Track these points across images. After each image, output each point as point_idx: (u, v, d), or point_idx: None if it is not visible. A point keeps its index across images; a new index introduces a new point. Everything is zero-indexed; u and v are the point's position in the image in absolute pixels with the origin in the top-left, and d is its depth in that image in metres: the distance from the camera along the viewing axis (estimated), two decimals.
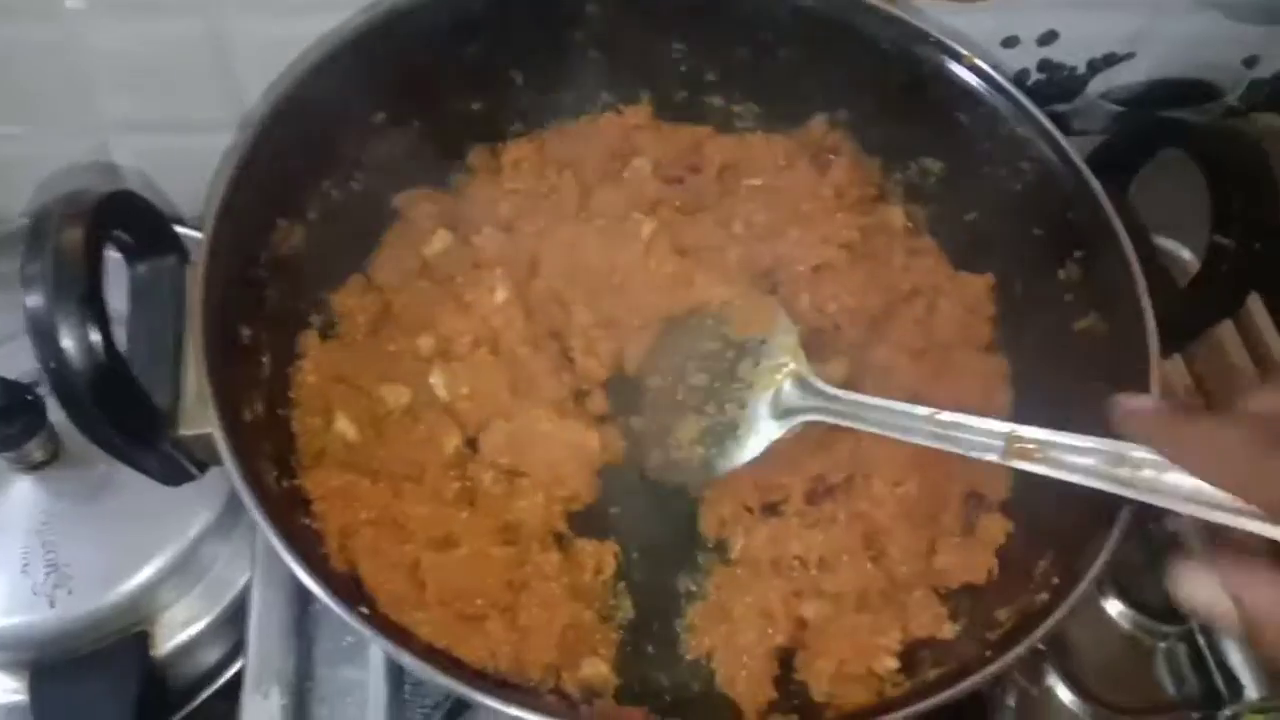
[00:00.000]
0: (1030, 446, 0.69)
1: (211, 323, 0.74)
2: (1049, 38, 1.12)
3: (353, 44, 0.89)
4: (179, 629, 0.92)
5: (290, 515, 0.75)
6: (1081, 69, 1.16)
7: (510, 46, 1.00)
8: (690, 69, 1.06)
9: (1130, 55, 1.15)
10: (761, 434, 0.83)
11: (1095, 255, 0.86)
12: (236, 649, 0.94)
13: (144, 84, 1.01)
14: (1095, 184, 0.85)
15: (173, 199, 1.10)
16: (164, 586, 0.92)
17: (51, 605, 0.88)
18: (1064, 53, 1.13)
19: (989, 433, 0.71)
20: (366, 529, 0.79)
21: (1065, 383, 0.88)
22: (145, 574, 0.90)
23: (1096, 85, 1.19)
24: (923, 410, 0.75)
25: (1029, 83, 1.16)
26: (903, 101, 0.99)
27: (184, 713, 0.94)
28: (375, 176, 0.97)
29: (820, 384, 0.83)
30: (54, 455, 0.92)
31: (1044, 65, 1.15)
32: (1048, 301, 0.91)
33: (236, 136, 0.80)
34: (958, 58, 0.94)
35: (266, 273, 0.86)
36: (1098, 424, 0.68)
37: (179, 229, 0.80)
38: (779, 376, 0.85)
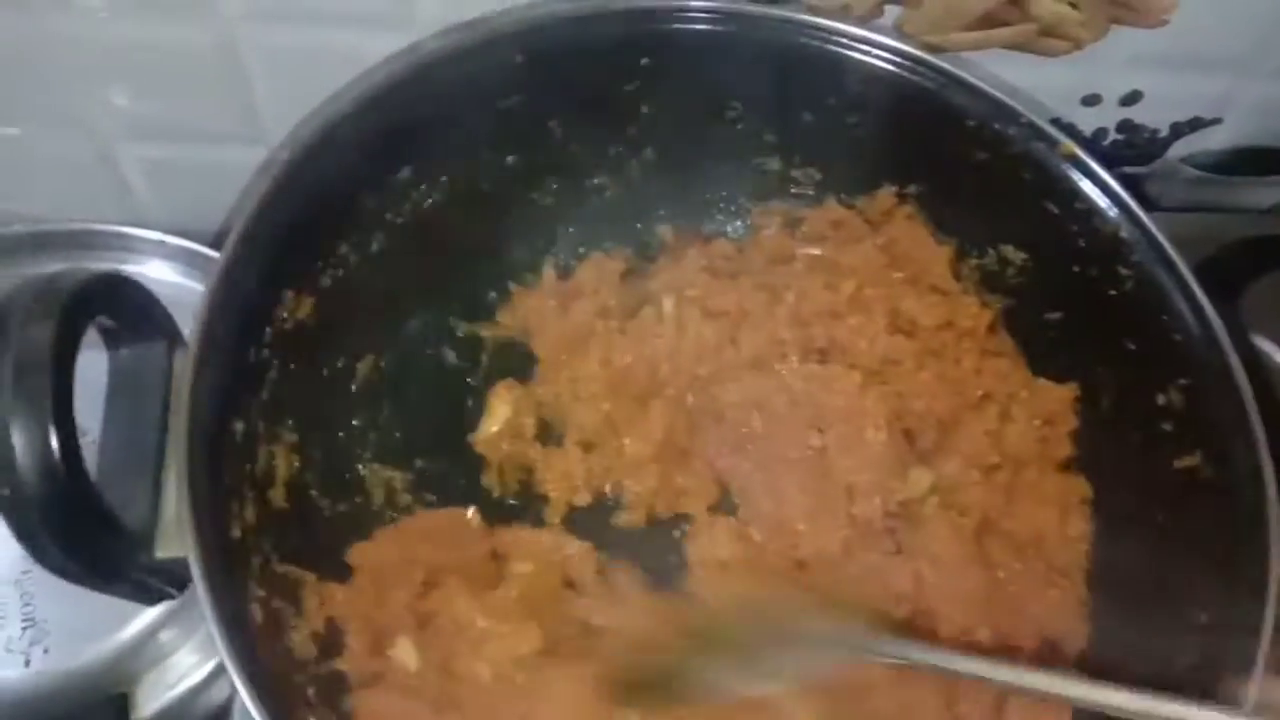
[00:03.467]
0: None
1: (201, 420, 0.66)
2: (1133, 98, 1.03)
3: (387, 90, 0.80)
4: (163, 691, 0.83)
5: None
6: (1164, 132, 1.08)
7: (552, 97, 0.90)
8: (747, 128, 0.96)
9: (1216, 120, 1.06)
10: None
11: (1203, 389, 0.76)
12: (225, 713, 0.86)
13: (155, 88, 0.93)
14: (1209, 308, 0.76)
15: (178, 214, 1.01)
16: (148, 645, 0.83)
17: (27, 663, 0.80)
18: (1147, 114, 1.05)
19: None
20: None
21: (1157, 521, 0.78)
22: (128, 631, 0.82)
23: (1177, 150, 1.10)
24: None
25: (1106, 142, 1.08)
26: (984, 181, 0.89)
27: None
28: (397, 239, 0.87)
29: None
30: None
31: (1124, 126, 1.07)
32: (1143, 427, 0.81)
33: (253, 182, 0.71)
34: (1053, 144, 0.84)
35: (269, 353, 0.76)
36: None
37: (184, 243, 0.71)
38: None
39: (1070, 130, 1.02)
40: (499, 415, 0.90)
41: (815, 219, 0.98)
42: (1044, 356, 0.90)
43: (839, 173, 0.97)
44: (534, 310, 0.94)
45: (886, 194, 0.96)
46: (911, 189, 0.95)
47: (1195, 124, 1.07)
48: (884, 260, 0.93)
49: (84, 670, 0.81)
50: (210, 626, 0.59)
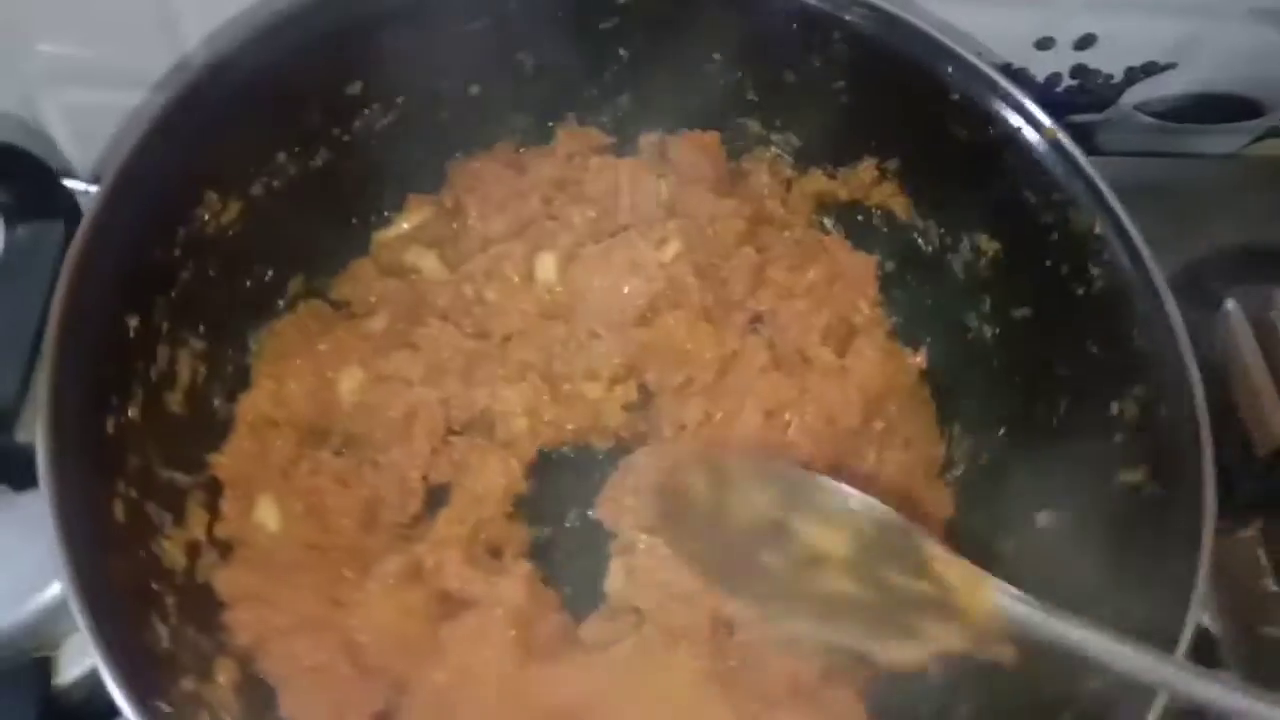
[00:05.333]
0: None
1: (82, 305, 0.63)
2: (1086, 41, 0.98)
3: None
4: (86, 656, 0.79)
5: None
6: (1118, 77, 1.03)
7: (526, 25, 0.86)
8: (728, 85, 0.91)
9: (1171, 65, 1.01)
10: None
11: (1159, 399, 0.71)
12: None
13: (80, 26, 0.85)
14: (1175, 314, 0.70)
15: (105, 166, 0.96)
16: (69, 608, 0.79)
17: None
18: (1101, 59, 1.00)
19: None
20: None
21: (1094, 535, 0.73)
22: (50, 593, 0.75)
23: (1131, 96, 1.05)
24: None
25: (1060, 88, 1.03)
26: (965, 163, 0.84)
27: None
28: (347, 159, 0.84)
29: None
30: None
31: (1078, 71, 1.01)
32: (1090, 437, 0.75)
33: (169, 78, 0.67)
34: (1038, 127, 0.79)
35: (183, 253, 0.73)
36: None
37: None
38: None
39: (1022, 76, 0.97)
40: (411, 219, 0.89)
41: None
42: (1007, 349, 0.85)
43: (819, 140, 0.93)
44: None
45: (867, 167, 0.91)
46: (893, 164, 0.90)
47: (1150, 69, 1.02)
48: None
49: (4, 632, 0.75)
50: (47, 512, 0.56)
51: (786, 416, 0.82)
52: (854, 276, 0.89)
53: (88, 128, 0.88)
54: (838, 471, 0.78)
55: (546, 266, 0.86)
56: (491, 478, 0.78)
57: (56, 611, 0.77)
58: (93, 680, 0.78)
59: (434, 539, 0.75)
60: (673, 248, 0.85)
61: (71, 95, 0.89)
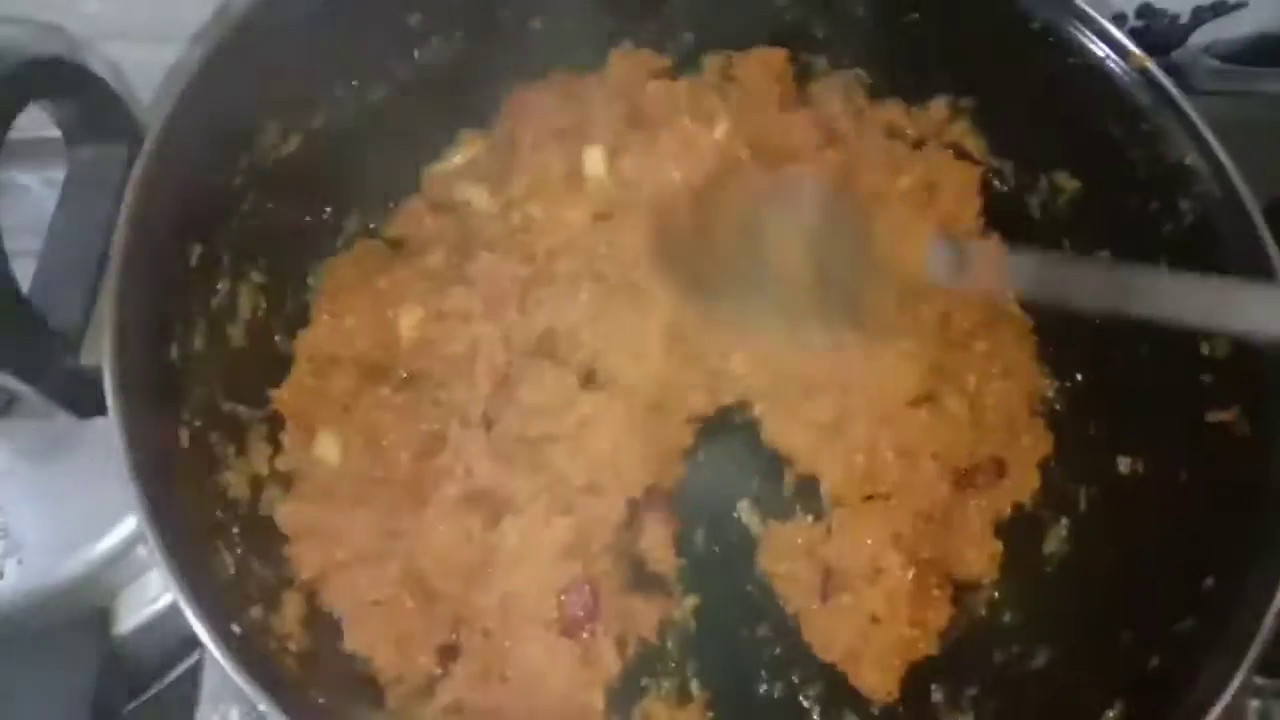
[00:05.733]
0: None
1: (146, 229, 0.62)
2: None
3: None
4: (143, 605, 0.79)
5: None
6: (1185, 17, 0.99)
7: None
8: (795, 20, 0.88)
9: (1241, 5, 0.98)
10: None
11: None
12: None
13: None
14: (1272, 245, 0.66)
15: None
16: (128, 558, 0.78)
17: (1, 576, 0.76)
18: None
19: None
20: None
21: (1179, 480, 0.71)
22: (107, 543, 0.77)
23: (1200, 37, 1.01)
24: None
25: (1125, 29, 0.97)
26: (1044, 97, 0.81)
27: (146, 697, 0.81)
28: (404, 93, 0.82)
29: None
30: (8, 406, 0.78)
31: (1144, 10, 0.98)
32: (1176, 378, 0.72)
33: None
34: (1125, 55, 0.75)
35: (244, 182, 0.72)
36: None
37: None
38: None
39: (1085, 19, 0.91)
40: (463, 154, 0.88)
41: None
42: None
43: (889, 78, 0.89)
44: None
45: (940, 105, 0.88)
46: (966, 101, 0.87)
47: (1219, 8, 0.98)
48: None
49: (60, 583, 0.76)
50: (114, 434, 0.55)
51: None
52: (956, 186, 0.85)
53: (132, 85, 0.82)
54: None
55: (594, 161, 0.82)
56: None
57: (114, 560, 0.78)
58: (151, 630, 0.79)
59: None
60: (722, 125, 0.81)
61: (116, 52, 0.83)
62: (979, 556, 0.78)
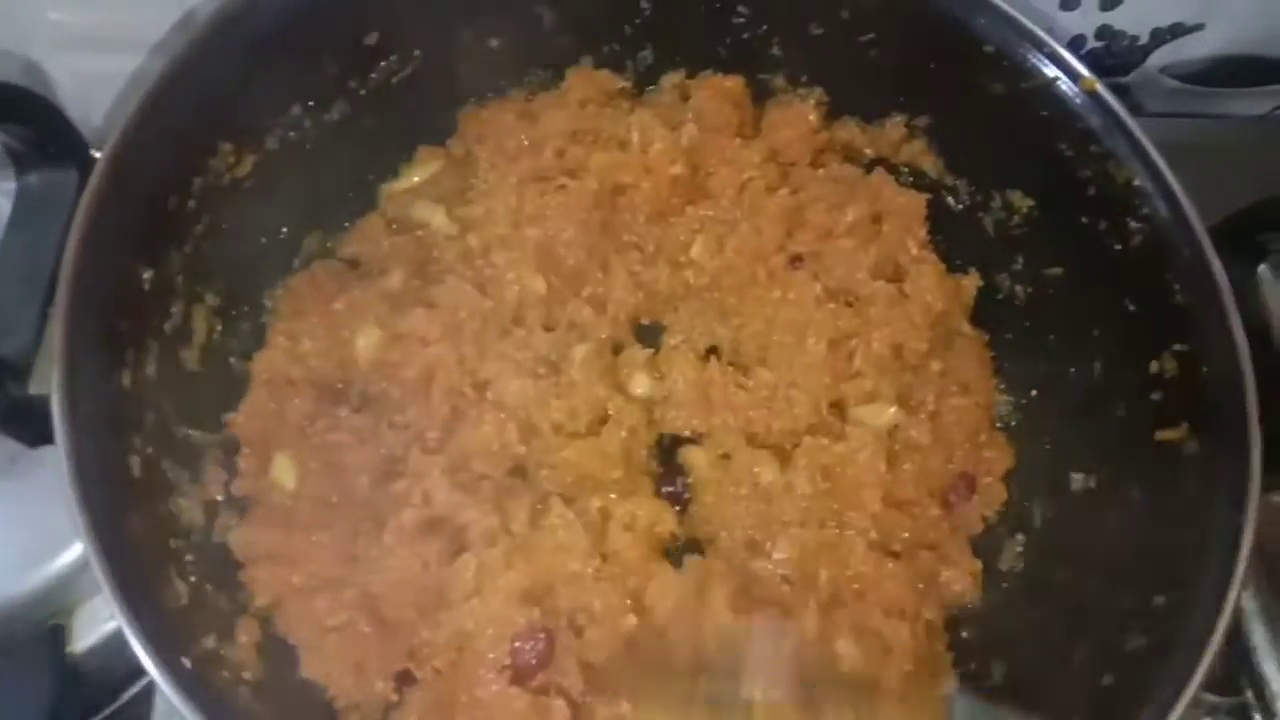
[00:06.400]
0: None
1: (96, 255, 0.61)
2: (1113, 1, 0.95)
3: None
4: (99, 623, 0.77)
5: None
6: (1144, 39, 1.00)
7: None
8: (753, 39, 0.89)
9: (1199, 27, 0.98)
10: None
11: (1201, 355, 0.69)
12: None
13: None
14: (1218, 267, 0.68)
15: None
16: (84, 575, 0.75)
17: None
18: (1127, 19, 0.97)
19: None
20: None
21: (1131, 498, 0.72)
22: (63, 560, 0.75)
23: (1157, 59, 1.02)
24: None
25: (1084, 50, 0.99)
26: (998, 117, 0.82)
27: (103, 715, 0.78)
28: (361, 112, 0.82)
29: None
30: None
31: (1103, 32, 0.98)
32: (1127, 395, 0.74)
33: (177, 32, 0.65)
34: (1075, 78, 0.76)
35: (196, 204, 0.71)
36: None
37: None
38: None
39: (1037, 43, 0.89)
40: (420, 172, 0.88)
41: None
42: (1038, 311, 0.83)
43: (845, 97, 0.90)
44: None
45: (895, 124, 0.89)
46: (922, 121, 0.88)
47: (1176, 30, 0.98)
48: None
49: (15, 599, 0.75)
50: (63, 465, 0.54)
51: (852, 344, 0.80)
52: (901, 215, 0.86)
53: (94, 95, 0.84)
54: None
55: None
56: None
57: (71, 576, 0.76)
58: (107, 648, 0.78)
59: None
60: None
61: (79, 62, 0.85)
62: (961, 576, 0.78)
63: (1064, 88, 0.78)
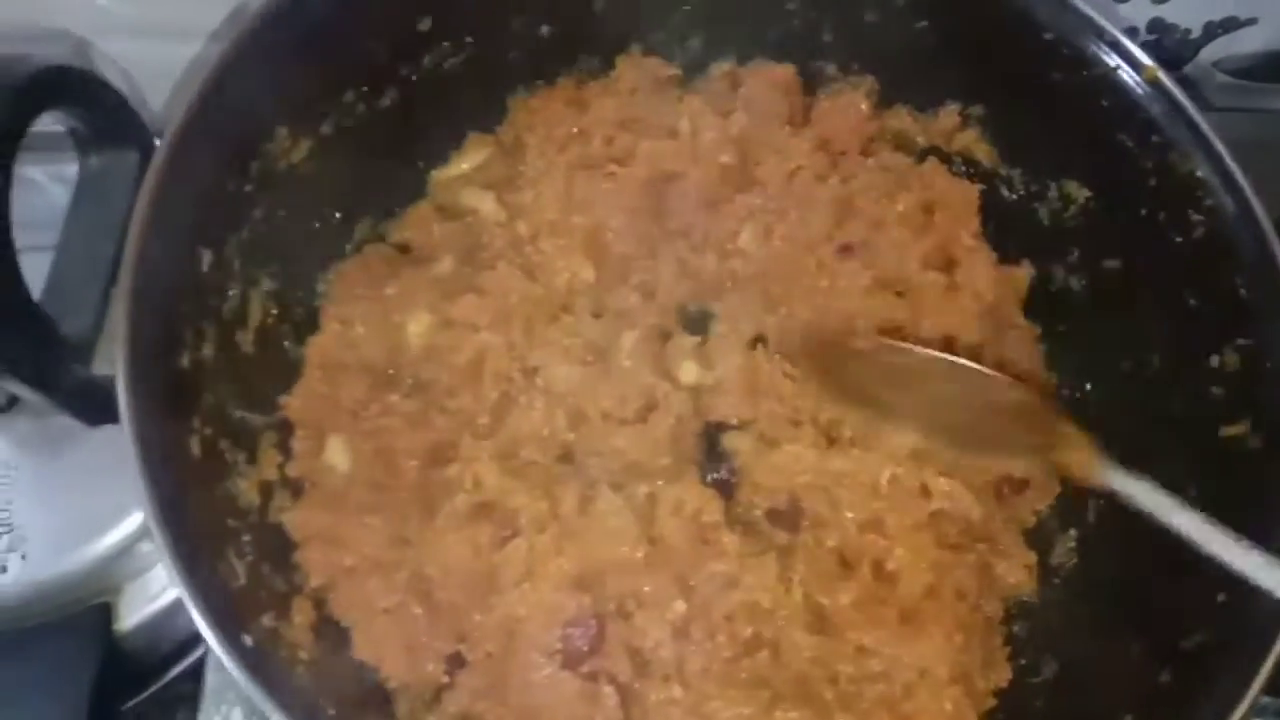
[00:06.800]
0: None
1: (158, 237, 0.62)
2: None
3: None
4: (145, 602, 0.79)
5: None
6: (1196, 32, 0.99)
7: None
8: (805, 26, 0.88)
9: (1252, 21, 0.98)
10: None
11: (1265, 349, 0.67)
12: None
13: None
14: None
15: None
16: (131, 553, 0.79)
17: (3, 570, 0.76)
18: (1180, 12, 0.97)
19: None
20: None
21: (1188, 495, 0.70)
22: (110, 539, 0.78)
23: (1210, 52, 1.01)
24: None
25: (1136, 43, 0.98)
26: (1056, 106, 0.81)
27: (148, 693, 0.81)
28: (413, 98, 0.82)
29: None
30: (12, 401, 0.79)
31: (1155, 25, 0.98)
32: (1185, 389, 0.72)
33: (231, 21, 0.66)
34: (1138, 67, 0.75)
35: (253, 187, 0.72)
36: None
37: None
38: None
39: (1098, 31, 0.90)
40: (470, 159, 0.88)
41: None
42: (1096, 303, 0.82)
43: (898, 85, 0.89)
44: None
45: (949, 113, 0.88)
46: (976, 109, 0.87)
47: (1229, 24, 0.98)
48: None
49: (63, 578, 0.77)
50: (128, 445, 0.55)
51: (901, 334, 0.79)
52: (954, 205, 0.85)
53: (144, 81, 0.86)
54: None
55: None
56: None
57: (118, 555, 0.78)
58: (152, 626, 0.79)
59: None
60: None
61: (129, 48, 0.87)
62: (1016, 568, 0.77)
63: (1125, 76, 0.76)
